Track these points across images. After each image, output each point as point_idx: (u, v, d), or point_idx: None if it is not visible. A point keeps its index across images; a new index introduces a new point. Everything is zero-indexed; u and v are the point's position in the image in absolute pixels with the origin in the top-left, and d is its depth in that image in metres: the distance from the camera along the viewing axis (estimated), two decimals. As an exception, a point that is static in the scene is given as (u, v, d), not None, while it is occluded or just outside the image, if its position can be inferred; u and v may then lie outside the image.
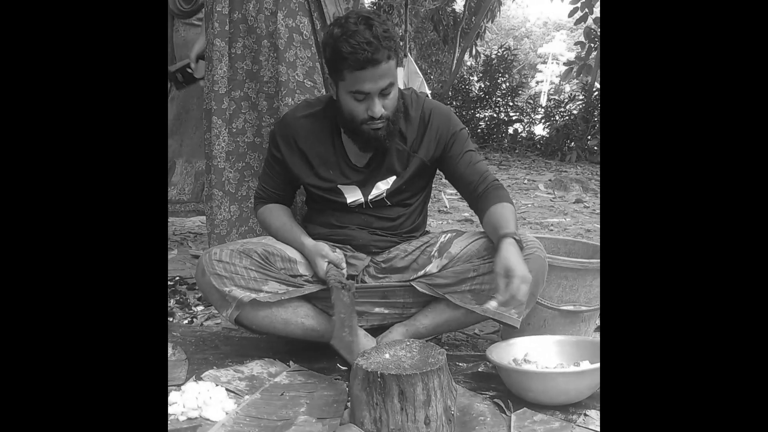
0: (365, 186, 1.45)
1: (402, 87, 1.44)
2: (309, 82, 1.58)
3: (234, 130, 1.65)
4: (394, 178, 1.45)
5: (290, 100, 1.59)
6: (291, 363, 1.42)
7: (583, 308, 1.59)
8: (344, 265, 1.42)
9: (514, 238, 1.29)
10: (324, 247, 1.42)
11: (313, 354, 1.46)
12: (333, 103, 1.42)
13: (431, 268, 1.45)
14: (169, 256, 2.45)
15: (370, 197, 1.46)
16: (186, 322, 1.75)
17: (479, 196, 1.43)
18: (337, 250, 1.46)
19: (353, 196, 1.46)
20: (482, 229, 1.46)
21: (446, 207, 3.69)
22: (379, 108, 1.31)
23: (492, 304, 1.24)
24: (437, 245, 1.48)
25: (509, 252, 1.25)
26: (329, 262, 1.40)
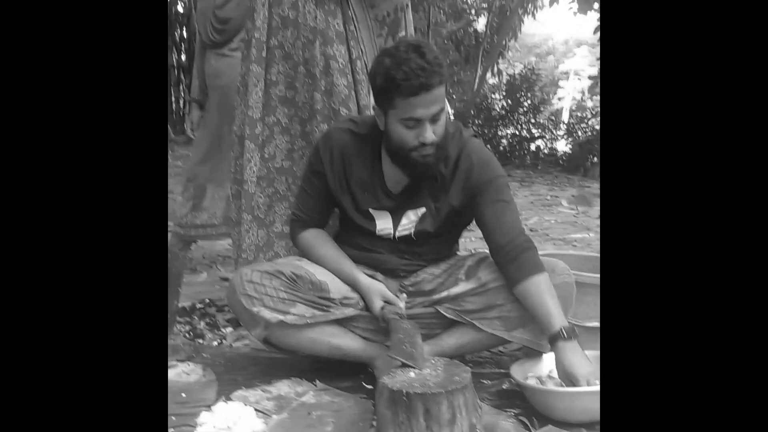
0: (396, 213, 1.46)
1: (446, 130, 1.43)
2: (344, 110, 1.59)
3: (266, 156, 1.67)
4: (424, 209, 1.44)
5: (324, 126, 1.60)
6: (317, 382, 1.44)
7: (609, 325, 1.58)
8: (402, 304, 1.43)
9: (568, 334, 1.26)
10: (383, 286, 1.44)
11: (338, 373, 1.48)
12: (377, 129, 1.41)
13: (457, 289, 1.45)
14: (199, 279, 2.51)
15: (398, 230, 1.46)
16: (215, 343, 1.79)
17: (507, 256, 1.36)
18: (401, 295, 1.47)
19: (383, 223, 1.47)
20: None
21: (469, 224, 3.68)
22: (430, 134, 1.30)
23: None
24: (464, 268, 1.48)
25: (571, 360, 1.25)
26: (386, 301, 1.42)
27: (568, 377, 1.24)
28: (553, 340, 1.28)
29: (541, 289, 1.32)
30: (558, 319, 1.28)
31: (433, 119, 1.31)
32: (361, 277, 1.45)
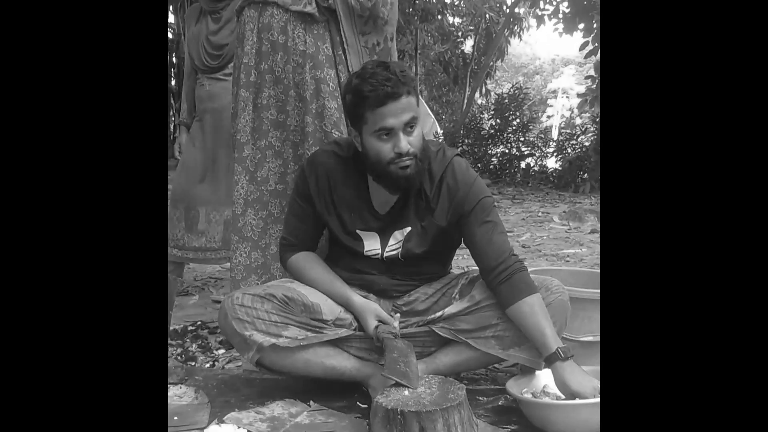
0: (384, 234, 1.46)
1: (424, 142, 1.45)
2: (336, 132, 1.60)
3: (259, 179, 1.67)
4: (409, 229, 1.44)
5: (316, 148, 1.61)
6: (311, 403, 1.43)
7: (603, 339, 1.58)
8: (396, 324, 1.43)
9: (565, 354, 1.27)
10: (377, 306, 1.44)
11: (332, 393, 1.46)
12: (359, 153, 1.41)
13: (451, 309, 1.45)
14: (191, 301, 2.49)
15: (386, 251, 1.46)
16: (208, 365, 1.77)
17: (497, 277, 1.37)
18: (395, 315, 1.47)
19: (371, 244, 1.47)
20: None
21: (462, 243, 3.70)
22: (405, 144, 1.31)
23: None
24: (458, 287, 1.48)
25: (572, 379, 1.25)
26: (380, 321, 1.42)
27: (574, 396, 1.24)
28: (550, 360, 1.29)
29: (535, 310, 1.32)
30: (553, 340, 1.29)
31: (406, 130, 1.32)
32: (355, 297, 1.44)
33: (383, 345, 1.36)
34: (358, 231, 1.46)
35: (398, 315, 1.48)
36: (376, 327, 1.40)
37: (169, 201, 2.29)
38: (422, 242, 1.44)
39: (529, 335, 1.33)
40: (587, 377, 1.26)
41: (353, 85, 1.33)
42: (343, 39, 1.62)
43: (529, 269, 1.42)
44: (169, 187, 2.49)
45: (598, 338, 1.58)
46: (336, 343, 1.44)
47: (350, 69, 1.64)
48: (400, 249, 1.46)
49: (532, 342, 1.33)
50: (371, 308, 1.43)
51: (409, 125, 1.32)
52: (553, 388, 1.35)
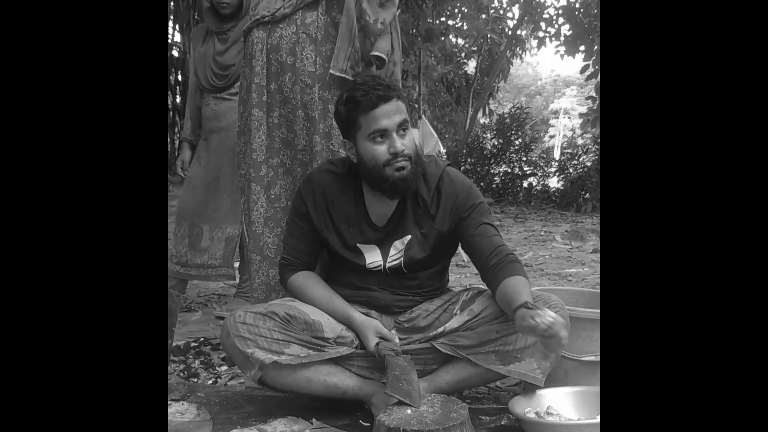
0: (383, 245, 1.48)
1: (417, 147, 1.49)
2: (342, 152, 1.61)
3: (272, 197, 1.69)
4: (409, 236, 1.47)
5: None
6: (314, 420, 1.43)
7: (605, 359, 1.58)
8: (397, 340, 1.44)
9: (528, 307, 1.24)
10: (377, 323, 1.45)
11: (335, 411, 1.46)
12: (355, 166, 1.45)
13: (452, 323, 1.46)
14: (193, 318, 2.49)
15: (388, 261, 1.48)
16: (210, 382, 1.77)
17: (492, 268, 1.40)
18: (393, 331, 1.48)
19: (372, 257, 1.49)
20: None
21: (464, 261, 3.71)
22: (400, 143, 1.36)
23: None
24: (459, 303, 1.49)
25: (525, 316, 1.22)
26: (381, 337, 1.43)
27: (534, 330, 1.19)
28: (515, 312, 1.24)
29: (519, 283, 1.33)
30: (524, 299, 1.26)
31: (400, 132, 1.38)
32: (356, 314, 1.45)
33: (385, 362, 1.37)
34: (358, 245, 1.48)
35: (395, 332, 1.48)
36: (377, 344, 1.41)
37: (175, 218, 2.31)
38: (423, 248, 1.47)
39: (506, 303, 1.31)
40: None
41: (345, 97, 1.40)
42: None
43: (532, 288, 1.43)
44: (173, 203, 2.52)
45: (599, 358, 1.58)
46: (338, 361, 1.44)
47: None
48: (402, 258, 1.47)
49: (509, 307, 1.29)
50: (372, 325, 1.43)
51: (402, 127, 1.38)
52: (557, 408, 1.35)
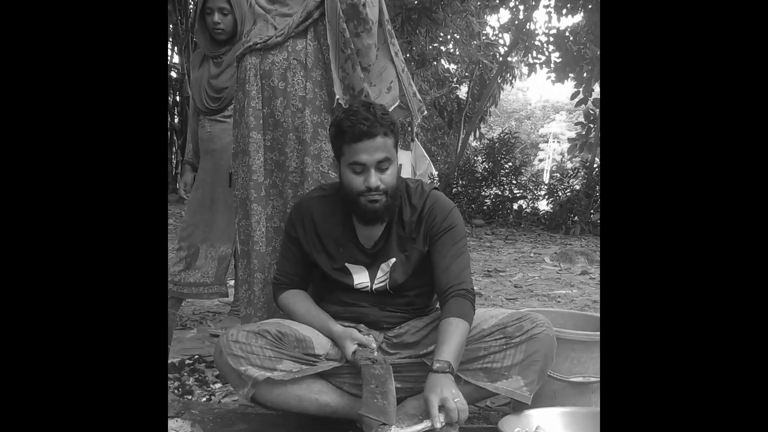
0: (371, 267, 1.52)
1: (410, 170, 1.54)
2: (334, 173, 1.67)
3: (266, 217, 1.74)
4: (394, 260, 1.51)
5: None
6: (307, 438, 1.44)
7: (592, 379, 1.62)
8: (374, 345, 1.46)
9: (447, 372, 1.30)
10: (353, 331, 1.47)
11: (328, 430, 1.48)
12: (342, 190, 1.50)
13: None
14: (188, 335, 2.50)
15: (375, 283, 1.52)
16: (204, 399, 1.78)
17: (443, 300, 1.44)
18: (371, 334, 1.50)
19: (360, 278, 1.52)
20: (488, 308, 1.50)
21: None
22: (375, 180, 1.39)
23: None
24: None
25: (444, 388, 1.28)
26: (358, 344, 1.45)
27: (432, 400, 1.26)
28: (434, 367, 1.31)
29: (454, 329, 1.37)
30: (448, 356, 1.32)
31: (379, 168, 1.41)
32: (335, 326, 1.48)
33: (360, 373, 1.38)
34: (347, 264, 1.52)
35: (371, 336, 1.50)
36: (354, 352, 1.43)
37: (177, 239, 2.33)
38: (405, 271, 1.51)
39: (437, 343, 1.37)
40: (459, 394, 1.28)
41: (337, 119, 1.44)
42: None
43: (521, 310, 1.47)
44: (170, 221, 2.53)
45: (588, 379, 1.62)
46: (329, 379, 1.46)
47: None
48: (387, 280, 1.51)
49: (435, 349, 1.36)
50: (348, 333, 1.46)
51: (382, 165, 1.41)
52: (546, 429, 1.38)
